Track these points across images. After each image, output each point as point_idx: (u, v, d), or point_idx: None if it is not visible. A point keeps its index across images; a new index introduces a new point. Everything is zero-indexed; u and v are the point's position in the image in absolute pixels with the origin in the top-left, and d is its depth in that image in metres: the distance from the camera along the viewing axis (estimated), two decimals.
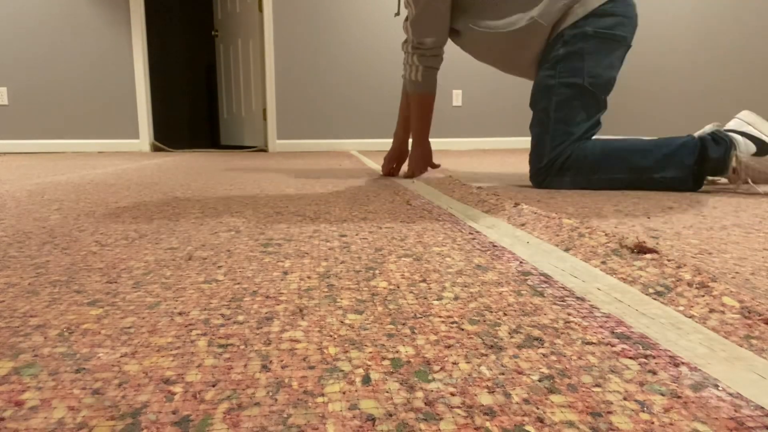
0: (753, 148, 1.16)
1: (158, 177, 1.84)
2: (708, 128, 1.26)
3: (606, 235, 0.74)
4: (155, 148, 3.85)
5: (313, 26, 3.76)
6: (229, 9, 4.26)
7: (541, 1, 1.29)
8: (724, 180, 1.28)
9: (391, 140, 3.66)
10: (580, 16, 1.28)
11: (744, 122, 1.20)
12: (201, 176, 1.88)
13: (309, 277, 0.61)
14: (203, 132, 5.85)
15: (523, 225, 0.93)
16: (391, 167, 1.77)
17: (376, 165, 2.39)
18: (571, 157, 1.31)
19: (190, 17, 5.64)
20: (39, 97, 3.66)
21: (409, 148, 1.73)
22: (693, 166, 1.21)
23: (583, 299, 0.53)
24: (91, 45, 3.67)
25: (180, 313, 0.49)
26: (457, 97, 3.82)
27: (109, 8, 3.67)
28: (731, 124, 1.23)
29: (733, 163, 1.17)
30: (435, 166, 1.75)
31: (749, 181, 1.17)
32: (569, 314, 0.49)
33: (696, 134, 1.25)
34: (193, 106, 5.78)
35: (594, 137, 1.35)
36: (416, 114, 1.56)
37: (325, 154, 3.45)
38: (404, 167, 1.95)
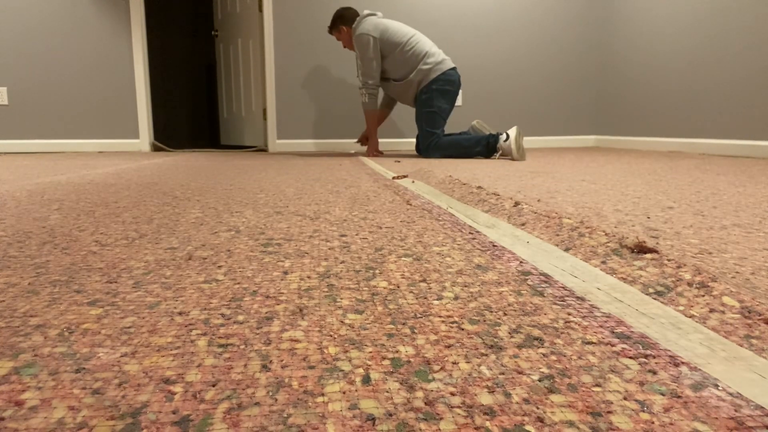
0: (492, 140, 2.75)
1: (158, 177, 1.84)
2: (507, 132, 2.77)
3: (606, 235, 0.74)
4: (155, 148, 3.86)
5: (313, 26, 3.76)
6: (229, 9, 4.25)
7: (412, 72, 2.88)
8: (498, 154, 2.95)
9: (387, 140, 3.93)
10: (428, 81, 2.87)
11: (474, 126, 2.95)
12: (201, 176, 1.88)
13: (309, 277, 0.61)
14: (203, 132, 5.84)
15: (523, 225, 0.93)
16: (363, 140, 3.40)
17: (376, 165, 2.39)
18: (435, 144, 2.87)
19: (190, 17, 5.64)
20: (39, 97, 3.66)
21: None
22: (485, 146, 2.74)
23: (583, 299, 0.53)
24: (91, 45, 3.67)
25: (180, 313, 0.49)
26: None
27: (109, 8, 3.67)
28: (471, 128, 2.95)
29: (498, 147, 2.70)
30: (377, 146, 3.17)
31: (502, 154, 2.73)
32: (569, 314, 0.49)
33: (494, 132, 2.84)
34: (193, 106, 5.78)
35: (445, 134, 2.91)
36: (369, 120, 3.08)
37: (325, 154, 3.45)
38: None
